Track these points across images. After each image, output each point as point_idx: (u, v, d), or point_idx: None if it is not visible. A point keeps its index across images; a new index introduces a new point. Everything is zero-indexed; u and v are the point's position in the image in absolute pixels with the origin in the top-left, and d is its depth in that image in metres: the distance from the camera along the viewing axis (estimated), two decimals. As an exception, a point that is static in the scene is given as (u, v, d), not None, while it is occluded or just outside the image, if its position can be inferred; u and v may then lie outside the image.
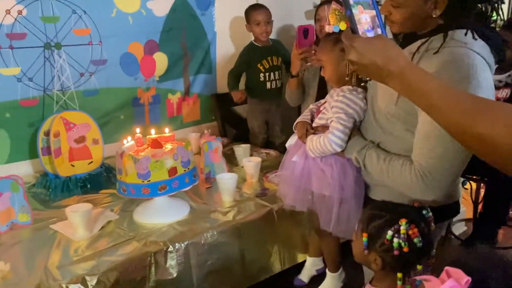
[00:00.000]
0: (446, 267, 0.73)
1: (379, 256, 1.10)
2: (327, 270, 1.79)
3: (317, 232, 1.73)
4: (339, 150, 1.32)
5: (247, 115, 2.85)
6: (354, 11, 0.91)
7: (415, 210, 1.12)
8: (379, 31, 0.94)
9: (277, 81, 2.73)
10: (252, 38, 2.76)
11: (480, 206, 2.69)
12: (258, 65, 2.68)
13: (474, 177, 2.49)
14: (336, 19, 1.35)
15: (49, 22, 2.22)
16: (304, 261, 1.93)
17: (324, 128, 1.38)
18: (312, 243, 1.89)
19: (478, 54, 1.07)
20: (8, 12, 2.10)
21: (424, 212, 1.13)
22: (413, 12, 1.11)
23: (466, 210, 2.83)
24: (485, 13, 1.13)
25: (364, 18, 0.93)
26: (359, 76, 1.39)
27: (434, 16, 1.10)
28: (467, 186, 2.61)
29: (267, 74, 2.70)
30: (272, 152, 2.53)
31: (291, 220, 1.86)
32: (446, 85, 0.87)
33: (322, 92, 2.46)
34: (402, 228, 1.06)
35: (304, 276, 1.90)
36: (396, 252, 1.06)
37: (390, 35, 1.33)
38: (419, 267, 1.09)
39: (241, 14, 2.85)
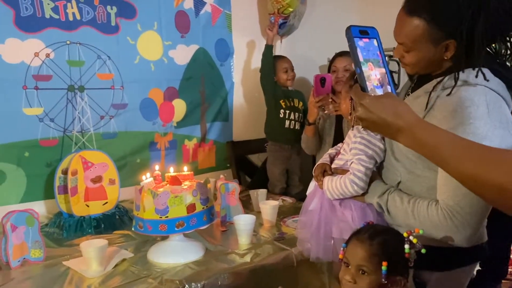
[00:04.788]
0: None
1: (401, 275, 1.08)
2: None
3: (339, 281, 1.65)
4: (360, 192, 1.29)
5: (267, 162, 2.83)
6: (364, 68, 0.94)
7: None
8: (388, 88, 0.97)
9: (296, 122, 2.74)
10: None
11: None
12: (281, 101, 2.71)
13: None
14: None
15: (75, 66, 2.31)
16: (323, 312, 1.83)
17: (344, 171, 1.36)
18: (332, 291, 1.80)
19: (493, 91, 1.08)
20: (36, 54, 2.18)
21: None
22: (425, 55, 1.14)
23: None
24: (498, 51, 1.15)
25: (374, 74, 0.95)
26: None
27: (445, 58, 1.13)
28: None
29: (287, 111, 2.71)
30: (289, 199, 2.49)
31: (310, 266, 1.79)
32: (458, 137, 0.88)
33: (339, 140, 2.46)
34: (413, 238, 1.05)
35: (324, 327, 1.79)
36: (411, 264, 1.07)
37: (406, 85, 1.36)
38: None
39: (258, 66, 2.94)
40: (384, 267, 1.05)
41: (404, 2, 1.15)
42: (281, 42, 3.10)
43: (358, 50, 0.91)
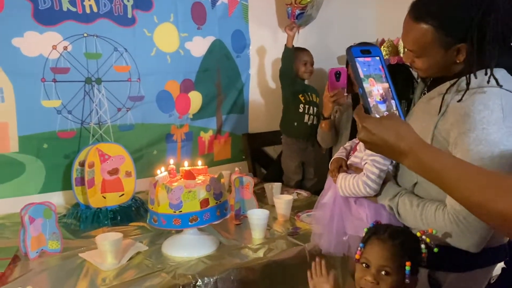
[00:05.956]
0: None
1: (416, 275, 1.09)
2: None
3: (353, 277, 1.65)
4: (372, 194, 1.27)
5: (282, 156, 2.82)
6: (365, 84, 0.91)
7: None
8: (392, 102, 0.95)
9: (314, 117, 2.72)
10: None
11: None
12: (300, 95, 2.70)
13: None
14: None
15: (92, 58, 2.32)
16: (337, 307, 1.82)
17: (358, 169, 1.35)
18: None
19: (511, 92, 1.04)
20: (54, 47, 2.20)
21: None
22: (436, 61, 1.11)
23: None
24: None
25: (376, 89, 0.93)
26: None
27: (458, 62, 1.09)
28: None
29: (306, 106, 2.70)
30: (304, 193, 2.48)
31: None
32: (462, 162, 0.86)
33: (355, 134, 2.43)
34: (426, 237, 1.06)
35: (336, 323, 1.79)
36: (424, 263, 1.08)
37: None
38: None
39: (274, 57, 2.92)
40: (408, 267, 1.05)
41: (409, 8, 1.11)
42: (298, 32, 3.05)
43: (359, 68, 0.89)
